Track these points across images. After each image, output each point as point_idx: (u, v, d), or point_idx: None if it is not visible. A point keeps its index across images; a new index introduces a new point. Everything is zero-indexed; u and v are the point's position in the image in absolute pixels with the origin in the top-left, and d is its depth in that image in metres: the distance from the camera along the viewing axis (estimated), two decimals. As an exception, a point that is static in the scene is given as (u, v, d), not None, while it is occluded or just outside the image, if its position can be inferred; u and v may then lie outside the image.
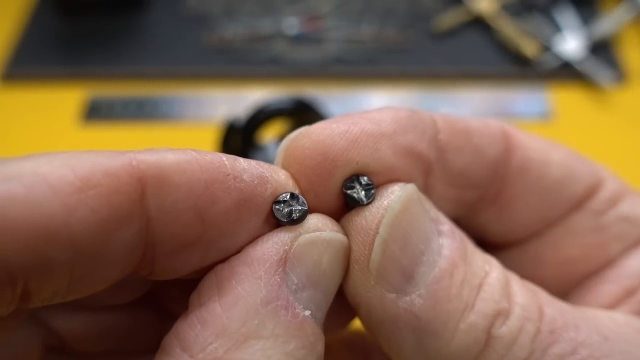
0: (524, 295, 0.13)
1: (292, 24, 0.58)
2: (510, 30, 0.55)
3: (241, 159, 0.13)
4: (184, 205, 0.12)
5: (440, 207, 0.15)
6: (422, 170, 0.14)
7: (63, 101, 0.53)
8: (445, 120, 0.15)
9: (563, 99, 0.52)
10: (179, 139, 0.50)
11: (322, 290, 0.13)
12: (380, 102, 0.52)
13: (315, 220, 0.13)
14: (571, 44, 0.54)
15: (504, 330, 0.13)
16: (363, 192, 0.13)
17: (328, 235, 0.13)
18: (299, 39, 0.57)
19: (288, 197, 0.13)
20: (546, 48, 0.55)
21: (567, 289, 0.16)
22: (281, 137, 0.41)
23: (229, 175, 0.12)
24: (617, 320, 0.14)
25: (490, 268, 0.14)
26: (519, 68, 0.54)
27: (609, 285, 0.15)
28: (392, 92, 0.53)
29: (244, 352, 0.11)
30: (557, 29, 0.56)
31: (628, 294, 0.15)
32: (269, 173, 0.13)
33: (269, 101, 0.35)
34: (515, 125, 0.54)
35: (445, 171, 0.15)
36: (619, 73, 0.53)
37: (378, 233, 0.13)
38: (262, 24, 0.58)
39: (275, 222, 0.13)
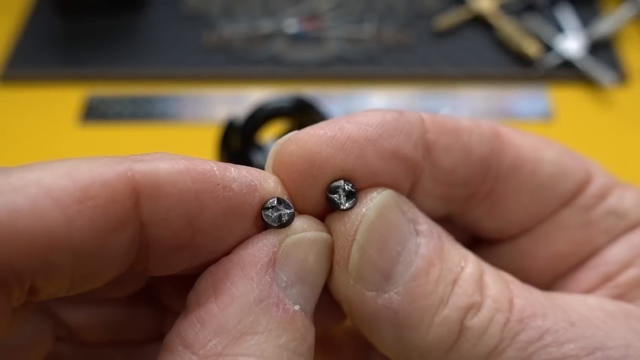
0: (496, 288, 0.14)
1: (291, 23, 0.58)
2: (511, 29, 0.55)
3: (232, 168, 0.14)
4: (175, 213, 0.13)
5: (430, 204, 0.16)
6: (408, 172, 0.15)
7: (62, 101, 0.53)
8: (433, 120, 0.15)
9: (564, 98, 0.52)
10: (179, 139, 0.50)
11: (309, 285, 0.14)
12: (380, 101, 0.52)
13: (301, 222, 0.14)
14: (572, 43, 0.54)
15: (475, 321, 0.14)
16: (344, 198, 0.14)
17: (313, 235, 0.14)
18: (298, 38, 0.57)
19: (275, 202, 0.14)
20: (547, 47, 0.54)
21: (555, 280, 0.17)
22: (280, 137, 0.41)
23: (218, 184, 0.13)
24: (589, 304, 0.14)
25: (466, 263, 0.15)
26: (520, 67, 0.54)
27: (590, 272, 0.16)
28: (392, 92, 0.53)
29: (241, 347, 0.12)
30: (557, 28, 0.56)
31: (606, 279, 0.16)
32: (258, 181, 0.14)
33: (269, 100, 0.35)
34: (515, 124, 0.54)
35: (434, 169, 0.15)
36: (619, 72, 0.53)
37: (355, 239, 0.14)
38: (262, 23, 0.58)
39: (263, 225, 0.14)
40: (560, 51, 0.53)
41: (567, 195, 0.16)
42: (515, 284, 0.15)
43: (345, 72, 0.54)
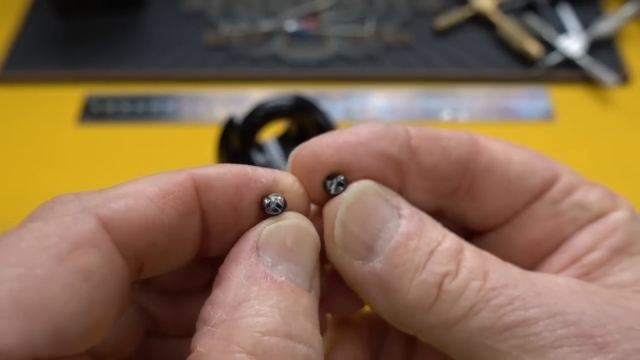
0: (473, 261, 0.17)
1: (291, 22, 0.57)
2: (512, 28, 0.54)
3: (261, 169, 0.18)
4: (222, 201, 0.17)
5: (420, 197, 0.19)
6: (395, 169, 0.18)
7: (60, 101, 0.53)
8: (417, 130, 0.19)
9: (565, 98, 0.52)
10: (178, 139, 0.50)
11: (294, 262, 0.17)
12: (380, 100, 0.52)
13: (287, 214, 0.18)
14: (573, 42, 0.54)
15: (452, 285, 0.17)
16: (334, 186, 0.18)
17: (288, 222, 0.18)
18: (298, 37, 0.57)
19: (273, 199, 0.18)
20: (548, 47, 0.54)
21: (534, 264, 0.20)
22: (280, 135, 0.41)
23: (251, 179, 0.18)
24: (558, 281, 0.17)
25: (444, 239, 0.17)
26: (521, 67, 0.53)
27: (560, 255, 0.19)
28: (392, 91, 0.53)
29: (240, 311, 0.16)
30: (559, 27, 0.56)
31: (573, 261, 0.19)
32: (280, 177, 0.18)
33: (268, 99, 0.35)
34: (517, 124, 0.54)
35: (419, 168, 0.19)
36: (621, 72, 0.53)
37: (337, 216, 0.18)
38: (262, 22, 0.58)
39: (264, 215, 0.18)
40: (562, 50, 0.53)
41: (536, 190, 0.20)
42: (492, 260, 0.17)
43: (345, 71, 0.54)
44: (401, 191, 0.19)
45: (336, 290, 0.20)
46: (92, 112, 0.52)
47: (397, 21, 0.58)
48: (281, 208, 0.18)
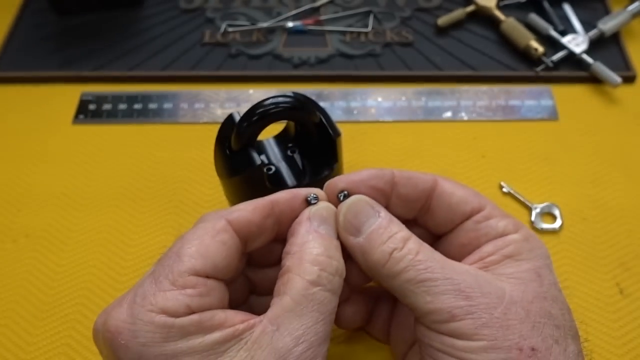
0: (412, 245, 0.28)
1: (291, 19, 0.57)
2: (515, 26, 0.54)
3: (315, 189, 0.31)
4: (286, 208, 0.31)
5: (400, 211, 0.31)
6: (383, 195, 0.31)
7: (57, 100, 0.52)
8: (399, 172, 0.31)
9: (569, 96, 0.51)
10: (175, 137, 0.49)
11: (327, 224, 0.30)
12: (380, 99, 0.51)
13: (320, 202, 0.31)
14: (577, 40, 0.53)
15: (396, 254, 0.28)
16: (342, 196, 0.30)
17: (322, 204, 0.30)
18: (298, 35, 0.56)
19: (312, 197, 0.31)
20: (552, 44, 0.54)
21: (462, 258, 0.31)
22: (279, 134, 0.41)
23: (299, 193, 0.31)
24: (462, 266, 0.28)
25: (400, 231, 0.29)
26: (524, 65, 0.53)
27: (474, 255, 0.30)
28: (393, 90, 0.52)
29: (304, 246, 0.28)
30: (563, 25, 0.55)
31: (480, 259, 0.30)
32: (314, 190, 0.31)
33: (267, 98, 0.34)
34: (520, 123, 0.53)
35: (398, 195, 0.31)
36: (625, 70, 0.52)
37: (340, 211, 0.30)
38: (261, 19, 0.57)
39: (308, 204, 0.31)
40: (566, 48, 0.52)
41: (467, 214, 0.31)
42: (424, 246, 0.28)
43: (345, 70, 0.53)
44: (387, 207, 0.31)
45: (350, 273, 0.30)
46: (89, 111, 0.51)
47: (398, 19, 0.57)
48: (317, 200, 0.30)
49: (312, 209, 0.30)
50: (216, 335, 0.26)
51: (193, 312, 0.26)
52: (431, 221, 0.32)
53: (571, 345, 0.28)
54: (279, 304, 0.27)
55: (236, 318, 0.26)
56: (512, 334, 0.26)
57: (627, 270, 0.40)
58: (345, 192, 0.30)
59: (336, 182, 0.31)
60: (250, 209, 0.29)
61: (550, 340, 0.27)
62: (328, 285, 0.27)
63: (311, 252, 0.28)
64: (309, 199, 0.30)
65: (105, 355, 0.27)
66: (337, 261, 0.28)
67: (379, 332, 0.35)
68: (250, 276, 0.33)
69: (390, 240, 0.28)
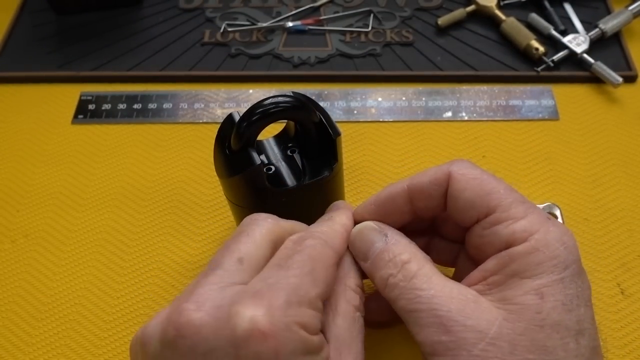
0: (412, 266, 0.28)
1: (291, 19, 0.57)
2: (516, 25, 0.54)
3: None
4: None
5: (423, 214, 0.32)
6: (402, 211, 0.33)
7: (57, 99, 0.52)
8: (412, 185, 0.32)
9: (570, 95, 0.51)
10: (175, 137, 0.49)
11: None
12: (381, 99, 0.51)
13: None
14: (578, 40, 0.53)
15: (390, 281, 0.28)
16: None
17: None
18: (298, 34, 0.56)
19: None
20: (553, 44, 0.53)
21: (476, 264, 0.30)
22: (279, 134, 0.40)
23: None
24: (458, 291, 0.27)
25: (402, 253, 0.29)
26: (525, 64, 0.53)
27: (478, 273, 0.29)
28: (393, 89, 0.52)
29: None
30: (564, 24, 0.55)
31: (483, 279, 0.28)
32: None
33: (267, 98, 0.34)
34: (521, 123, 0.53)
35: (417, 208, 0.32)
36: (626, 69, 0.52)
37: (351, 238, 0.32)
38: (261, 19, 0.57)
39: None
40: (566, 48, 0.52)
41: (474, 218, 0.30)
42: (425, 269, 0.28)
43: (345, 68, 0.53)
44: (413, 214, 0.32)
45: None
46: (88, 111, 0.51)
47: (397, 18, 0.57)
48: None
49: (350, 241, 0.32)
50: (323, 355, 0.26)
51: (317, 334, 0.26)
52: (451, 219, 0.32)
53: None
54: (335, 323, 0.28)
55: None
56: None
57: (628, 270, 0.40)
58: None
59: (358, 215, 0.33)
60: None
61: None
62: (362, 308, 0.29)
63: (352, 282, 0.30)
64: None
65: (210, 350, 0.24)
66: (363, 286, 0.31)
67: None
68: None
69: (387, 265, 0.29)
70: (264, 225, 0.29)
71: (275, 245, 0.29)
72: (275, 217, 0.30)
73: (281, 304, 0.25)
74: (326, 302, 0.28)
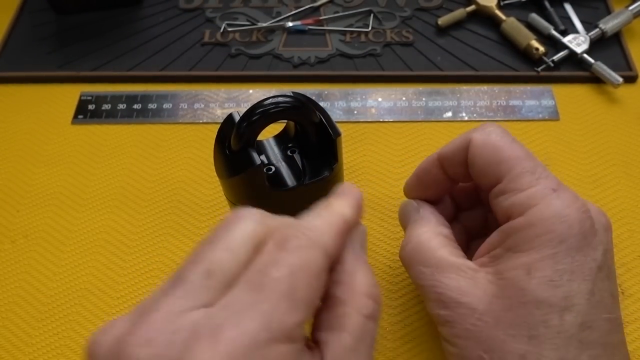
0: (426, 241, 0.31)
1: (291, 19, 0.57)
2: (516, 25, 0.54)
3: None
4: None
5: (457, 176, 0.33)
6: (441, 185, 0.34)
7: (56, 100, 0.52)
8: (442, 158, 0.33)
9: (570, 96, 0.51)
10: (175, 137, 0.49)
11: (365, 248, 0.28)
12: (381, 99, 0.51)
13: (361, 226, 0.28)
14: (578, 40, 0.53)
15: (408, 253, 0.31)
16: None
17: (363, 228, 0.28)
18: (298, 34, 0.56)
19: None
20: (553, 44, 0.53)
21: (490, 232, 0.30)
22: (279, 134, 0.40)
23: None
24: (459, 266, 0.29)
25: (422, 227, 0.32)
26: (525, 65, 0.53)
27: (486, 245, 0.29)
28: (393, 89, 0.52)
29: (353, 282, 0.25)
30: (564, 25, 0.55)
31: (488, 251, 0.29)
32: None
33: (267, 98, 0.34)
34: (521, 123, 0.53)
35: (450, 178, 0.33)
36: (627, 69, 0.52)
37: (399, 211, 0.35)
38: (261, 19, 0.57)
39: None
40: (567, 48, 0.52)
41: (485, 187, 0.30)
42: (434, 246, 0.30)
43: (346, 68, 0.53)
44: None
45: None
46: (88, 111, 0.51)
47: (397, 18, 0.57)
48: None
49: (354, 233, 0.27)
50: None
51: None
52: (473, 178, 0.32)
53: (551, 353, 0.25)
54: (339, 344, 0.23)
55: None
56: (476, 346, 0.26)
57: (628, 270, 0.40)
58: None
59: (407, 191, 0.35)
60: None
61: (513, 357, 0.25)
62: (377, 316, 0.25)
63: (363, 283, 0.25)
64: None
65: None
66: (378, 289, 0.26)
67: None
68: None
69: (409, 239, 0.31)
70: (247, 226, 0.24)
71: (258, 248, 0.24)
72: (263, 213, 0.25)
73: (246, 345, 0.20)
74: (327, 312, 0.25)
